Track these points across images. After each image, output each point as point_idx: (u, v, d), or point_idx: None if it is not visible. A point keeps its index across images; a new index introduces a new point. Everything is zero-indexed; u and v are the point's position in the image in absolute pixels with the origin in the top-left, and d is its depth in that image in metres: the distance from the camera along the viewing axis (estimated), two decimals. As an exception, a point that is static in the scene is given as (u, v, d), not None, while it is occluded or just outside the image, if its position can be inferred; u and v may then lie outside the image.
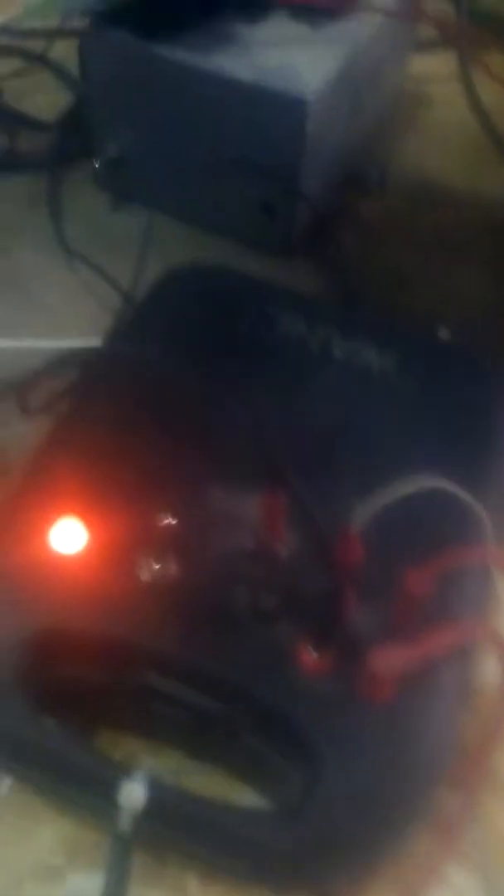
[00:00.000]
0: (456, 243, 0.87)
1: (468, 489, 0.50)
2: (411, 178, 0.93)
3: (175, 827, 0.48)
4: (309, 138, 0.76)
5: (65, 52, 1.01)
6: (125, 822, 0.47)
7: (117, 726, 0.54)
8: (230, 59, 0.77)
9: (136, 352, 0.58)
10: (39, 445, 0.59)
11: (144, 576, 0.52)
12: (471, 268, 0.84)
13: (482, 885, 0.50)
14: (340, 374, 0.63)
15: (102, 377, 0.61)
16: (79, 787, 0.49)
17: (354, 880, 0.50)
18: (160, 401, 0.56)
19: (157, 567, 0.52)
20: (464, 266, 0.85)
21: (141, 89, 0.81)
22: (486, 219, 0.89)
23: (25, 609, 0.51)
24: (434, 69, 1.02)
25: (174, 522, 0.52)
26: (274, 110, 0.75)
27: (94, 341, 0.72)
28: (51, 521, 0.53)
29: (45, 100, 0.99)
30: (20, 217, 0.87)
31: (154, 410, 0.57)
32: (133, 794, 0.46)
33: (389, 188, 0.90)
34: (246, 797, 0.52)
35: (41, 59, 1.03)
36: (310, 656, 0.49)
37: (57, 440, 0.59)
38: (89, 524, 0.53)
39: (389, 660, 0.46)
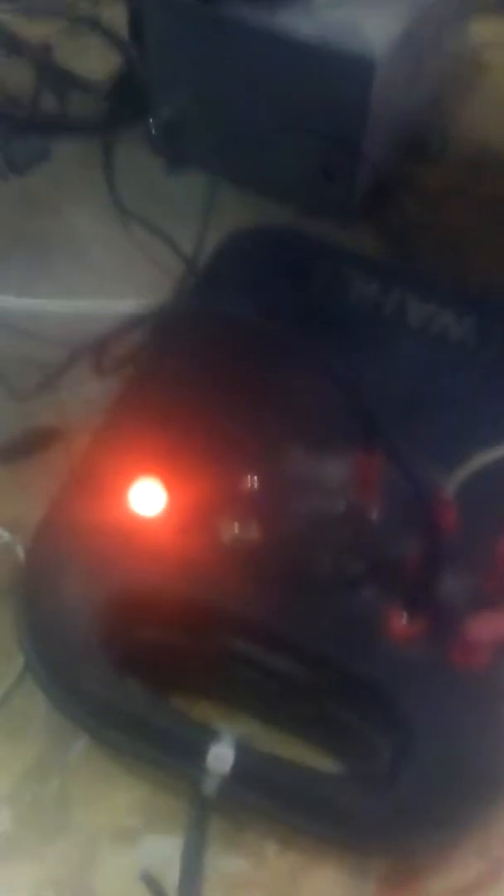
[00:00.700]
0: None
1: None
2: (470, 144, 0.91)
3: (263, 791, 0.47)
4: (373, 99, 0.74)
5: (113, 13, 1.00)
6: (210, 785, 0.46)
7: (195, 691, 0.54)
8: (294, 17, 0.75)
9: (219, 307, 0.56)
10: (113, 406, 0.58)
11: (226, 538, 0.51)
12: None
13: None
14: (417, 340, 0.61)
15: (176, 336, 0.60)
16: (162, 748, 0.48)
17: (440, 849, 0.49)
18: (239, 358, 0.55)
19: (238, 530, 0.51)
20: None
21: (200, 50, 0.79)
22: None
23: (107, 571, 0.50)
24: (492, 35, 1.00)
25: (256, 484, 0.51)
26: (339, 69, 0.73)
27: (157, 303, 0.71)
28: (129, 481, 0.52)
29: (95, 62, 0.97)
30: (74, 180, 0.86)
31: (232, 368, 0.56)
32: (221, 756, 0.46)
33: (449, 154, 0.89)
34: (321, 764, 0.52)
35: (90, 22, 1.01)
36: (400, 622, 0.48)
37: (131, 400, 0.58)
38: (168, 485, 0.52)
39: (487, 626, 0.45)
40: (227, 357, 0.57)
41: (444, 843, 0.49)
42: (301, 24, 0.74)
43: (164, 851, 0.50)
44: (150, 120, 0.85)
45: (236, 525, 0.51)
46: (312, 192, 0.81)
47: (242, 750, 0.46)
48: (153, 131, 0.85)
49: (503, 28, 0.96)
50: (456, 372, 0.60)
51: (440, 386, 0.59)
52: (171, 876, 0.47)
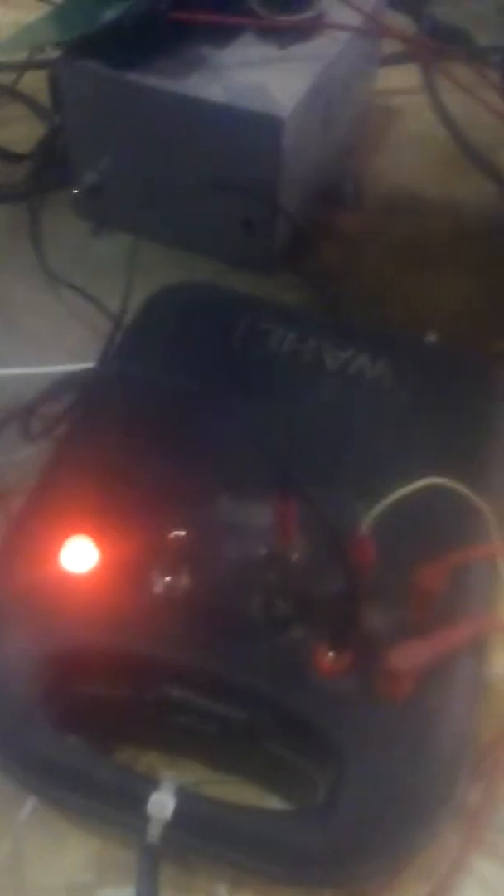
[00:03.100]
0: (432, 251, 0.89)
1: (469, 486, 0.51)
2: (385, 190, 0.94)
3: (204, 834, 0.48)
4: (285, 155, 0.78)
5: (35, 83, 1.03)
6: (153, 833, 0.47)
7: (137, 741, 0.55)
8: (203, 81, 0.78)
9: (138, 369, 0.58)
10: (44, 467, 0.60)
11: (157, 589, 0.53)
12: (447, 273, 0.86)
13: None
14: (334, 384, 0.64)
15: (103, 396, 0.62)
16: (105, 802, 0.49)
17: (386, 876, 0.50)
18: (162, 416, 0.57)
19: (169, 579, 0.53)
20: (440, 272, 0.86)
21: (116, 116, 0.82)
22: (458, 226, 0.91)
23: (42, 630, 0.51)
24: (400, 82, 1.04)
25: (183, 535, 0.52)
26: (249, 129, 0.76)
27: (85, 365, 0.73)
28: (61, 541, 0.54)
29: (18, 132, 1.00)
30: (1, 247, 0.88)
31: (157, 426, 0.58)
32: (161, 804, 0.47)
33: (364, 200, 0.92)
34: (267, 803, 0.53)
35: (12, 92, 1.04)
36: (327, 658, 0.50)
37: (61, 461, 0.60)
38: (99, 542, 0.54)
39: (407, 656, 0.47)
40: (151, 415, 0.59)
41: (389, 868, 0.50)
42: (210, 88, 0.78)
43: (118, 904, 0.51)
44: (73, 185, 0.88)
45: (166, 575, 0.53)
46: (234, 246, 0.84)
47: (182, 796, 0.47)
48: (75, 193, 0.87)
49: (411, 74, 1.00)
50: (372, 412, 0.62)
51: (358, 426, 0.61)
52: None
